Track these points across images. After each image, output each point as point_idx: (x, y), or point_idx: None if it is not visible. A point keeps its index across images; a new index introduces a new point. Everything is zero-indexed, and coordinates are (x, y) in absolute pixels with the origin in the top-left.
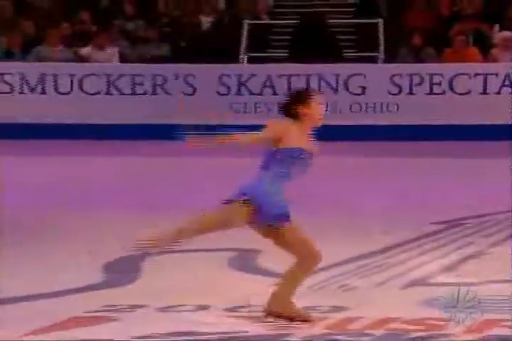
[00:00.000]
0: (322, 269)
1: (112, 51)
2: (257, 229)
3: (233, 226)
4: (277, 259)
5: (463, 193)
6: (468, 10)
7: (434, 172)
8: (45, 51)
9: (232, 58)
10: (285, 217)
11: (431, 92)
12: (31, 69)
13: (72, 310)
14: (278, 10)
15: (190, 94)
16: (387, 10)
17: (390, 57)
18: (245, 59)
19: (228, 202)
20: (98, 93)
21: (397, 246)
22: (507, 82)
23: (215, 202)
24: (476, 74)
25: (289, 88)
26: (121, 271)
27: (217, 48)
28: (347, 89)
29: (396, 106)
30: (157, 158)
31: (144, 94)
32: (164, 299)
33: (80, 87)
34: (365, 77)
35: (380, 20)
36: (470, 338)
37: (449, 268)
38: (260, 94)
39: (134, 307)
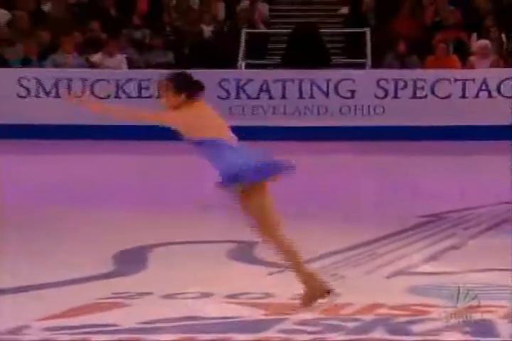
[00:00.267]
0: (313, 260)
1: (121, 58)
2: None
3: None
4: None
5: (446, 188)
6: (449, 20)
7: (418, 169)
8: (60, 58)
9: (231, 64)
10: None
11: (414, 96)
12: (47, 74)
13: (82, 298)
14: (274, 20)
15: None
16: (375, 18)
17: (377, 63)
18: (243, 65)
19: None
20: (108, 96)
21: (383, 238)
22: (484, 87)
23: (215, 202)
24: (456, 80)
25: (284, 92)
26: (129, 261)
27: (217, 55)
28: (337, 93)
29: (382, 109)
30: (159, 156)
31: (149, 97)
32: (169, 287)
33: (92, 91)
34: (353, 81)
35: (368, 30)
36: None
37: (432, 258)
38: (257, 98)
39: (140, 294)
